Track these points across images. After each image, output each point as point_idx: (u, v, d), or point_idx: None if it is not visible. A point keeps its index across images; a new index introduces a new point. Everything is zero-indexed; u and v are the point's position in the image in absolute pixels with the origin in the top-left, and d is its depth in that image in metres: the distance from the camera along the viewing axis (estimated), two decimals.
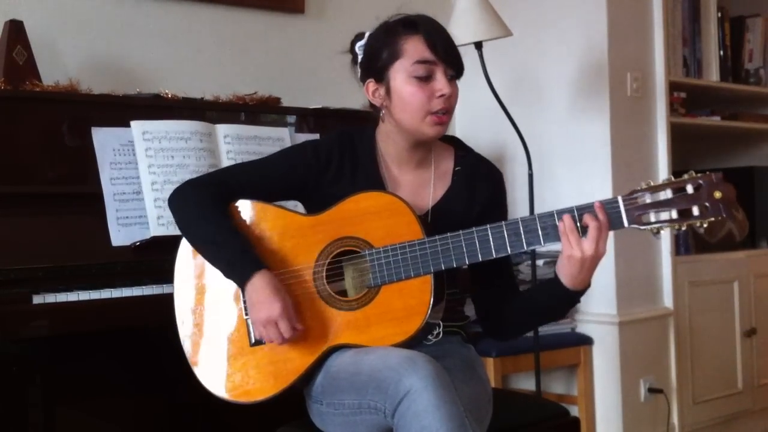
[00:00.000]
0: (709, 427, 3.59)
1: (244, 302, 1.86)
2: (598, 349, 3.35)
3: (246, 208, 1.93)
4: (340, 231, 1.87)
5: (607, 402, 3.32)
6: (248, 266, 1.82)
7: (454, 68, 1.90)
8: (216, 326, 1.91)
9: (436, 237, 1.81)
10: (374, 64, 1.92)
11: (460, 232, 1.80)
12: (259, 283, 1.80)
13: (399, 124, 1.92)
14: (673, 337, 3.45)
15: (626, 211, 1.73)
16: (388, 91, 1.91)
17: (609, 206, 1.75)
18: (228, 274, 1.85)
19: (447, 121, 1.90)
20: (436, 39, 1.88)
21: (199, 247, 1.90)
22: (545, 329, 3.24)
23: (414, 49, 1.88)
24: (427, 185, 1.98)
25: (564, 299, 1.84)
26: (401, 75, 1.88)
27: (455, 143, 2.05)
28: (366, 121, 2.04)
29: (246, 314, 1.87)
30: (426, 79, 1.87)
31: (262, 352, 1.86)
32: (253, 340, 1.87)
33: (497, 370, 3.11)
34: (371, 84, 1.94)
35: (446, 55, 1.88)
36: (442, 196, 1.97)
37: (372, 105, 1.98)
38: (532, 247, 1.79)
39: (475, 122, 3.66)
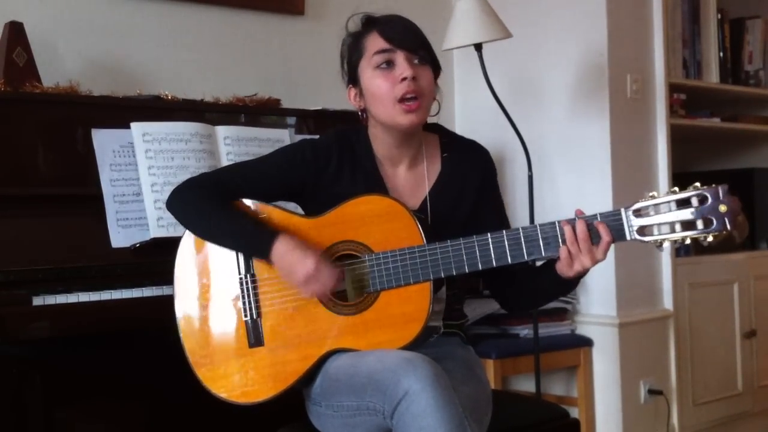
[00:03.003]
0: (709, 429, 3.59)
1: (252, 289, 1.87)
2: (598, 351, 3.35)
3: (246, 209, 1.93)
4: (339, 235, 1.87)
5: (607, 404, 3.32)
6: (265, 238, 1.83)
7: (416, 52, 1.91)
8: (216, 326, 1.91)
9: (436, 244, 1.81)
10: (348, 69, 1.98)
11: (461, 239, 1.80)
12: (282, 248, 1.81)
13: (377, 120, 1.94)
14: (673, 339, 3.45)
15: (629, 223, 1.73)
16: (362, 91, 1.95)
17: (612, 218, 1.75)
18: (248, 253, 1.87)
19: (417, 108, 1.89)
20: (390, 28, 1.91)
21: (210, 236, 1.91)
22: (545, 330, 3.24)
23: (372, 43, 1.92)
24: (423, 180, 1.99)
25: (562, 286, 1.89)
26: (367, 71, 1.92)
27: (438, 131, 2.06)
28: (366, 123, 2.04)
29: (246, 315, 1.88)
30: (389, 68, 1.89)
31: (261, 354, 1.87)
32: (252, 341, 1.87)
33: (497, 372, 3.11)
34: (351, 89, 1.99)
35: (402, 41, 1.90)
36: (434, 183, 1.98)
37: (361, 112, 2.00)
38: (533, 258, 1.79)
39: (474, 123, 3.66)
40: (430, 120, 2.00)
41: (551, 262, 1.86)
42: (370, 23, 1.95)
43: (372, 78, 1.91)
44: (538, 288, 1.95)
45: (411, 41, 1.91)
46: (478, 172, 2.01)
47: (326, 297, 1.83)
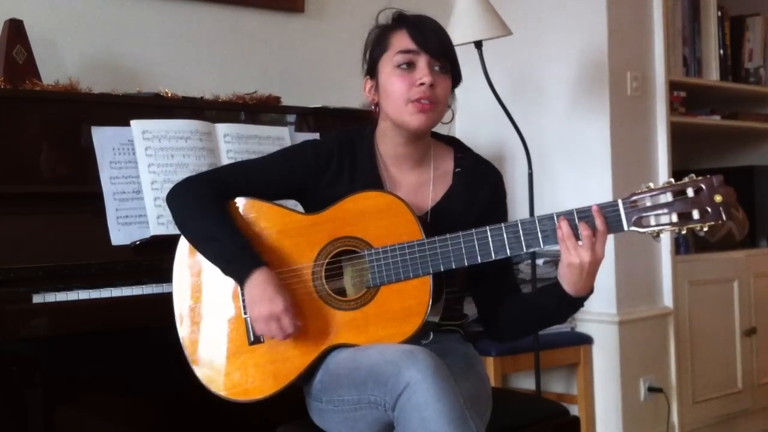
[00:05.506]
0: (709, 427, 3.59)
1: (243, 300, 1.86)
2: (597, 349, 3.35)
3: (245, 206, 1.93)
4: (339, 230, 1.87)
5: (607, 401, 3.32)
6: (247, 263, 1.82)
7: (440, 59, 1.90)
8: (215, 324, 1.91)
9: (435, 238, 1.81)
10: (368, 60, 1.96)
11: (460, 233, 1.80)
12: (259, 279, 1.80)
13: (388, 117, 1.93)
14: (672, 337, 3.45)
15: (626, 214, 1.73)
16: (378, 86, 1.94)
17: (609, 209, 1.74)
18: (227, 271, 1.86)
19: (429, 110, 1.88)
20: (419, 30, 1.90)
21: (197, 243, 1.90)
22: (545, 328, 3.24)
23: (398, 40, 1.91)
24: (427, 186, 1.98)
25: (567, 305, 1.85)
26: (387, 67, 1.91)
27: (455, 144, 2.05)
28: (366, 120, 2.04)
29: (245, 312, 1.87)
30: (409, 69, 1.88)
31: (261, 351, 1.87)
32: (252, 339, 1.88)
33: (497, 370, 3.11)
34: (367, 81, 1.98)
35: (429, 46, 1.88)
36: (442, 197, 1.97)
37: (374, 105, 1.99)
38: (531, 250, 1.79)
39: (475, 121, 3.66)
40: (444, 127, 1.99)
41: (555, 285, 1.83)
42: (401, 20, 1.94)
43: (390, 75, 1.90)
44: (537, 309, 1.92)
45: (437, 47, 1.90)
46: (489, 194, 1.99)
47: (282, 337, 1.81)
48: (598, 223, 1.73)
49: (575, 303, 1.84)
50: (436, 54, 1.89)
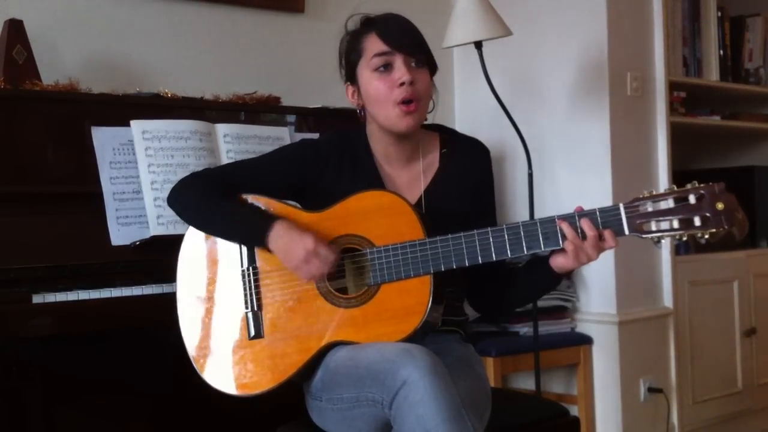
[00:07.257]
0: (709, 427, 3.59)
1: (253, 281, 1.88)
2: (597, 349, 3.35)
3: (247, 201, 1.94)
4: (342, 229, 1.88)
5: (607, 402, 3.32)
6: (262, 222, 1.85)
7: (415, 54, 1.92)
8: (216, 319, 1.92)
9: (437, 238, 1.82)
10: (346, 67, 2.00)
11: (461, 234, 1.81)
12: (280, 230, 1.83)
13: (376, 120, 1.96)
14: (672, 337, 3.45)
15: (627, 219, 1.74)
16: (360, 91, 1.96)
17: (610, 213, 1.76)
18: (245, 239, 1.89)
19: (415, 110, 1.91)
20: (389, 30, 1.93)
21: (208, 224, 1.93)
22: (545, 329, 3.24)
23: (371, 44, 1.93)
24: (418, 178, 2.00)
25: (555, 281, 1.90)
26: (366, 72, 1.94)
27: (440, 129, 2.08)
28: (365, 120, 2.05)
29: (247, 307, 1.89)
30: (387, 70, 1.91)
31: (260, 346, 1.88)
32: (252, 333, 1.89)
33: (497, 370, 3.11)
34: (349, 87, 2.01)
35: (401, 44, 1.91)
36: (432, 179, 1.99)
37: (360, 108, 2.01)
38: (532, 252, 1.80)
39: (475, 122, 3.66)
40: (435, 120, 2.01)
41: (541, 259, 1.87)
42: (370, 24, 1.97)
43: (370, 80, 1.93)
44: (527, 285, 1.96)
45: (409, 44, 1.92)
46: (477, 170, 2.03)
47: (324, 278, 1.84)
48: (609, 239, 1.75)
49: (561, 277, 1.89)
50: (411, 50, 1.92)
